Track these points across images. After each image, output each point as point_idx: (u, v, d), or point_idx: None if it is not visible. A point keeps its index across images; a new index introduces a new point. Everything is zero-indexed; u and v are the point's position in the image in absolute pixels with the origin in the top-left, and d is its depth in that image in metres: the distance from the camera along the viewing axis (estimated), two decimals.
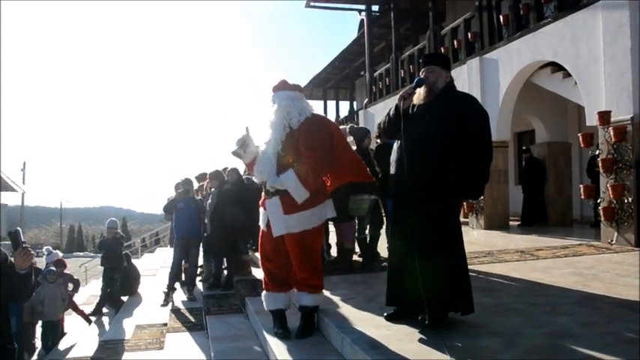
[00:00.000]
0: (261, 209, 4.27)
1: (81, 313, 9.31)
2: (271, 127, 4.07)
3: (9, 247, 3.30)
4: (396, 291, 3.86)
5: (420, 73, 3.81)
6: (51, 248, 10.55)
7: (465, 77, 12.20)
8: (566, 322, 3.77)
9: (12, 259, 2.70)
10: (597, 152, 8.59)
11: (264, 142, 4.09)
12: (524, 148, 12.92)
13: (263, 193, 4.23)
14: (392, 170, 3.85)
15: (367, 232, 6.82)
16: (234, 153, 4.23)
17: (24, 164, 39.52)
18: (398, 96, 3.78)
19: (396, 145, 3.88)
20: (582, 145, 9.11)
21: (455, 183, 3.61)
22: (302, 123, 4.05)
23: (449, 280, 3.63)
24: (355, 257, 6.92)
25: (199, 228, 8.17)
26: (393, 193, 3.86)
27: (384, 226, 7.02)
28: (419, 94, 3.78)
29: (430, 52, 13.78)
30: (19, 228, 2.83)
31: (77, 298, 9.94)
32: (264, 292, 4.34)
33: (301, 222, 4.04)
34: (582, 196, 9.24)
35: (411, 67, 15.32)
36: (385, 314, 3.90)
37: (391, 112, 3.92)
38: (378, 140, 7.03)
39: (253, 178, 4.30)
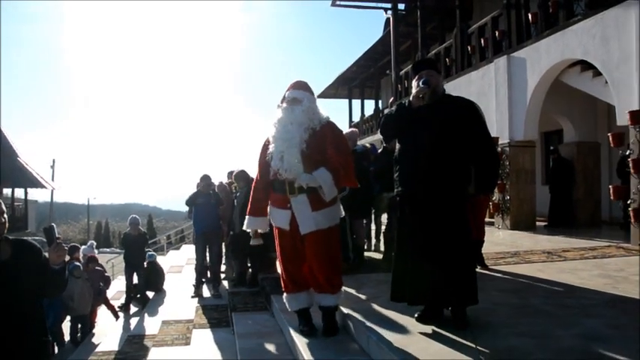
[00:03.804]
0: (276, 209, 4.20)
1: (111, 307, 9.48)
2: (295, 125, 4.06)
3: (41, 243, 3.37)
4: (402, 288, 3.87)
5: (416, 78, 3.82)
6: (95, 243, 10.79)
7: (492, 76, 12.08)
8: (595, 325, 3.72)
9: (46, 254, 2.75)
10: (628, 152, 8.44)
11: (287, 139, 4.05)
12: (551, 148, 12.74)
13: (277, 192, 4.16)
14: (401, 169, 3.86)
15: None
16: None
17: (53, 161, 40.12)
18: (413, 95, 3.79)
19: (399, 148, 3.93)
20: (612, 145, 8.95)
21: (466, 179, 3.78)
22: (323, 125, 4.13)
23: (468, 274, 3.72)
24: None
25: (219, 223, 8.23)
26: (402, 191, 3.86)
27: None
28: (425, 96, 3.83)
29: (456, 51, 13.68)
30: (53, 224, 2.88)
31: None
32: (285, 295, 4.35)
33: (328, 218, 4.11)
34: (612, 197, 9.09)
35: (438, 65, 15.19)
36: (416, 315, 3.89)
37: (394, 111, 3.95)
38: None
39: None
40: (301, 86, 4.27)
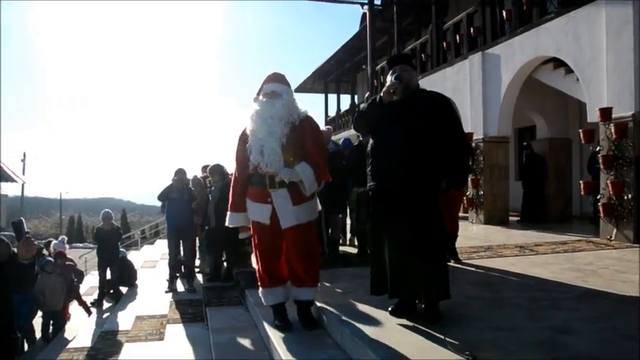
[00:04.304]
0: (255, 203, 4.14)
1: (83, 303, 9.35)
2: (276, 118, 4.01)
3: (10, 238, 3.30)
4: (382, 281, 3.91)
5: (391, 73, 3.83)
6: (66, 238, 10.62)
7: (467, 72, 12.20)
8: (565, 317, 3.78)
9: (15, 249, 2.69)
10: (598, 149, 8.60)
11: (267, 133, 3.99)
12: (524, 143, 12.92)
13: (256, 186, 4.11)
14: (374, 164, 3.86)
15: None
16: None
17: (24, 155, 39.49)
18: (384, 90, 3.79)
19: (372, 143, 3.93)
20: (583, 142, 9.12)
21: (440, 174, 3.78)
22: (302, 119, 4.11)
23: (440, 270, 3.77)
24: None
25: (192, 218, 8.15)
26: (375, 187, 3.87)
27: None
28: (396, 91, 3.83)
29: (432, 46, 13.77)
30: (22, 218, 2.83)
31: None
32: (260, 289, 4.31)
33: (308, 212, 4.13)
34: (582, 193, 9.25)
35: (413, 61, 15.28)
36: (389, 309, 3.92)
37: (366, 107, 3.96)
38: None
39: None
40: (279, 79, 4.23)
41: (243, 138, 4.17)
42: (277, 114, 4.03)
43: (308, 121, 4.17)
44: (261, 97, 4.16)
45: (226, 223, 4.34)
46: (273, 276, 4.23)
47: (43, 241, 11.72)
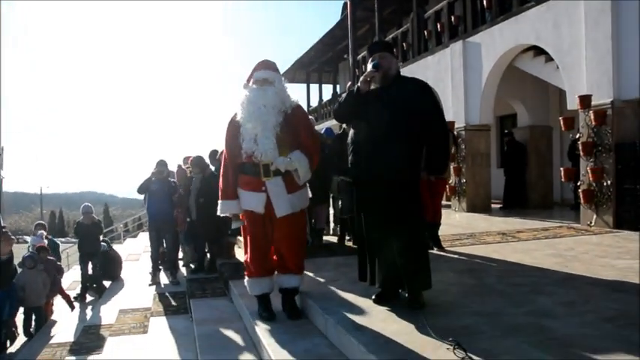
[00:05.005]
0: (248, 192, 4.07)
1: (66, 297, 9.27)
2: (269, 107, 3.96)
3: None
4: (367, 269, 3.95)
5: (370, 60, 3.80)
6: (44, 233, 10.47)
7: (448, 61, 12.23)
8: (546, 302, 3.83)
9: None
10: (578, 136, 8.69)
11: (261, 122, 3.92)
12: (506, 131, 13.02)
13: (249, 175, 4.04)
14: (355, 153, 3.86)
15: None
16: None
17: (2, 149, 38.75)
18: (361, 79, 3.76)
19: (353, 132, 3.92)
20: (563, 129, 9.21)
21: (420, 161, 3.78)
22: (294, 108, 4.10)
23: (421, 259, 3.78)
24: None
25: (172, 211, 8.08)
26: (356, 175, 3.87)
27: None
28: (374, 79, 3.82)
29: (413, 35, 13.76)
30: None
31: None
32: (247, 279, 4.29)
33: (301, 200, 4.15)
34: (563, 179, 9.36)
35: (394, 50, 15.28)
36: (373, 297, 3.94)
37: (345, 96, 3.94)
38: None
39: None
40: (270, 66, 4.17)
41: (234, 125, 4.08)
42: (270, 102, 3.97)
43: (300, 111, 4.17)
44: (251, 84, 4.09)
45: (218, 212, 4.23)
46: (262, 266, 4.22)
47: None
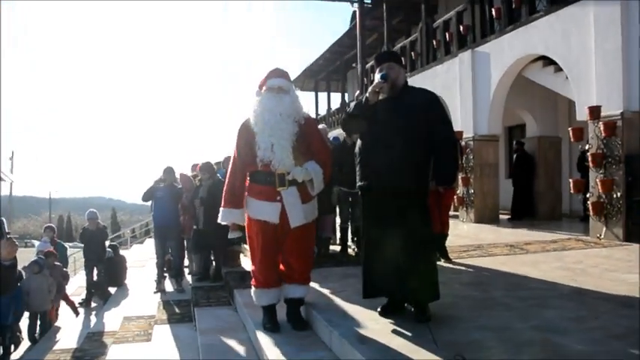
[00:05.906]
0: (261, 202, 3.98)
1: (71, 303, 9.27)
2: (285, 115, 3.92)
3: None
4: (373, 284, 3.89)
5: (378, 71, 3.80)
6: (54, 235, 10.51)
7: (457, 70, 12.20)
8: (554, 317, 3.77)
9: None
10: (587, 147, 8.62)
11: (278, 130, 3.87)
12: (516, 141, 12.94)
13: (262, 184, 3.97)
14: (363, 164, 3.83)
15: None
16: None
17: (12, 153, 39.01)
18: (369, 90, 3.74)
19: (360, 142, 3.90)
20: (572, 140, 9.14)
21: (429, 172, 3.75)
22: (307, 119, 4.09)
23: (429, 271, 3.75)
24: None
25: (177, 217, 8.07)
26: (365, 186, 3.83)
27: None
28: (382, 90, 3.79)
29: (421, 45, 13.75)
30: (3, 218, 2.77)
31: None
32: (254, 289, 4.22)
33: (313, 211, 4.15)
34: (572, 191, 9.28)
35: (402, 59, 15.28)
36: (379, 309, 3.89)
37: (353, 107, 3.92)
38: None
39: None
40: (284, 75, 4.14)
41: (248, 131, 4.00)
42: (286, 111, 3.94)
43: (312, 121, 4.20)
44: (264, 91, 4.04)
45: (219, 220, 4.16)
46: (271, 276, 4.16)
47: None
